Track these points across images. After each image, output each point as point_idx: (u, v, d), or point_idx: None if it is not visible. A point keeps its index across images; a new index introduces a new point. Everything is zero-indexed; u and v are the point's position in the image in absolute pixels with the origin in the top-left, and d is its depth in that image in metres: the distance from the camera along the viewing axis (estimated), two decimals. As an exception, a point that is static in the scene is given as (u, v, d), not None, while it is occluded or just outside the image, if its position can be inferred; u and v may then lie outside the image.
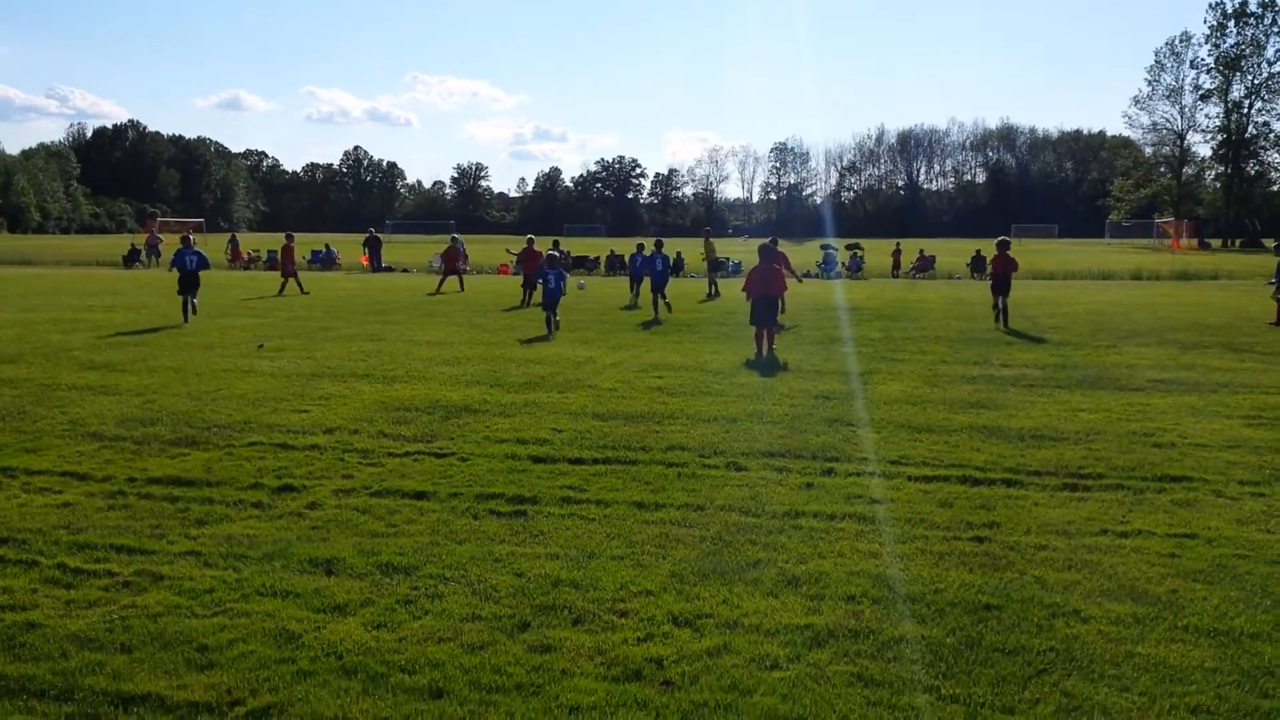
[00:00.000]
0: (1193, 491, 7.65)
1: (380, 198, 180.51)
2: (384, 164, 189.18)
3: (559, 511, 7.22)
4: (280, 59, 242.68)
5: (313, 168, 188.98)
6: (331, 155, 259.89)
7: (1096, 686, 4.48)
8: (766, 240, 17.81)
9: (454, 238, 33.77)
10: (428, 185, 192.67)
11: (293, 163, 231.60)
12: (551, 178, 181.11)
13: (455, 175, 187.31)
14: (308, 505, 7.37)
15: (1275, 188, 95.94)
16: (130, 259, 46.69)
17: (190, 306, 19.83)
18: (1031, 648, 4.88)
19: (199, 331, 18.02)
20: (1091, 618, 5.24)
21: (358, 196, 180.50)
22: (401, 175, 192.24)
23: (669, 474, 8.24)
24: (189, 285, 19.95)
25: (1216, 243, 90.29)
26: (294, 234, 32.00)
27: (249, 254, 48.09)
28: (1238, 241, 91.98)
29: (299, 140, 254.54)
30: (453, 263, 31.32)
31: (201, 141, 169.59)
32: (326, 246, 50.05)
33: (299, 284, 28.36)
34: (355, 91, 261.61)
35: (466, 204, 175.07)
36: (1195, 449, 9.01)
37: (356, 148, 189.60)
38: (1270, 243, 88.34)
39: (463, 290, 29.62)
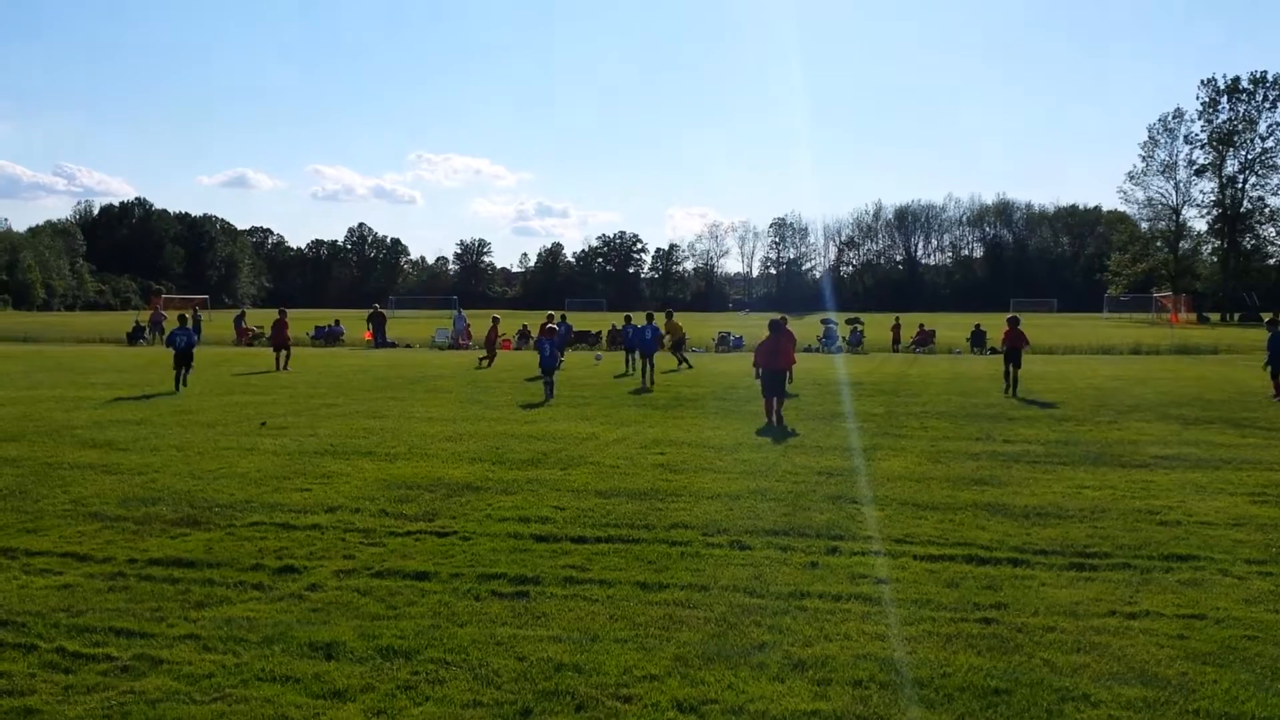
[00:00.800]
0: (1200, 571, 7.59)
1: (383, 273, 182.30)
2: (388, 240, 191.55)
3: (561, 592, 7.16)
4: (287, 138, 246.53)
5: (317, 244, 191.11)
6: (336, 232, 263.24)
7: (1109, 775, 4.41)
8: (776, 317, 18.35)
9: (494, 318, 33.43)
10: (431, 261, 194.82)
11: (297, 239, 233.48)
12: (554, 253, 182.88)
13: (458, 251, 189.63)
14: (308, 587, 7.31)
15: (1271, 261, 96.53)
16: (134, 336, 46.90)
17: (182, 379, 21.96)
18: (1042, 734, 4.81)
19: (201, 409, 18.04)
20: (1101, 702, 5.16)
21: (361, 272, 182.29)
22: (405, 251, 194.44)
23: (672, 553, 8.19)
24: (181, 361, 22.28)
25: (1215, 317, 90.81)
26: (288, 309, 32.21)
27: (251, 330, 48.30)
28: (1236, 315, 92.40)
29: (304, 217, 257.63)
30: (493, 343, 31.45)
31: (207, 219, 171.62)
32: (336, 321, 50.29)
33: (279, 361, 28.62)
34: (360, 169, 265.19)
35: (469, 279, 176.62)
36: (1201, 527, 8.96)
37: (361, 224, 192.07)
38: (1266, 316, 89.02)
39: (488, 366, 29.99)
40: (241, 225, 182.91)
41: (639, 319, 27.34)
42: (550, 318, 29.41)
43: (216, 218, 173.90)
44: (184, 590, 7.18)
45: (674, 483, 11.11)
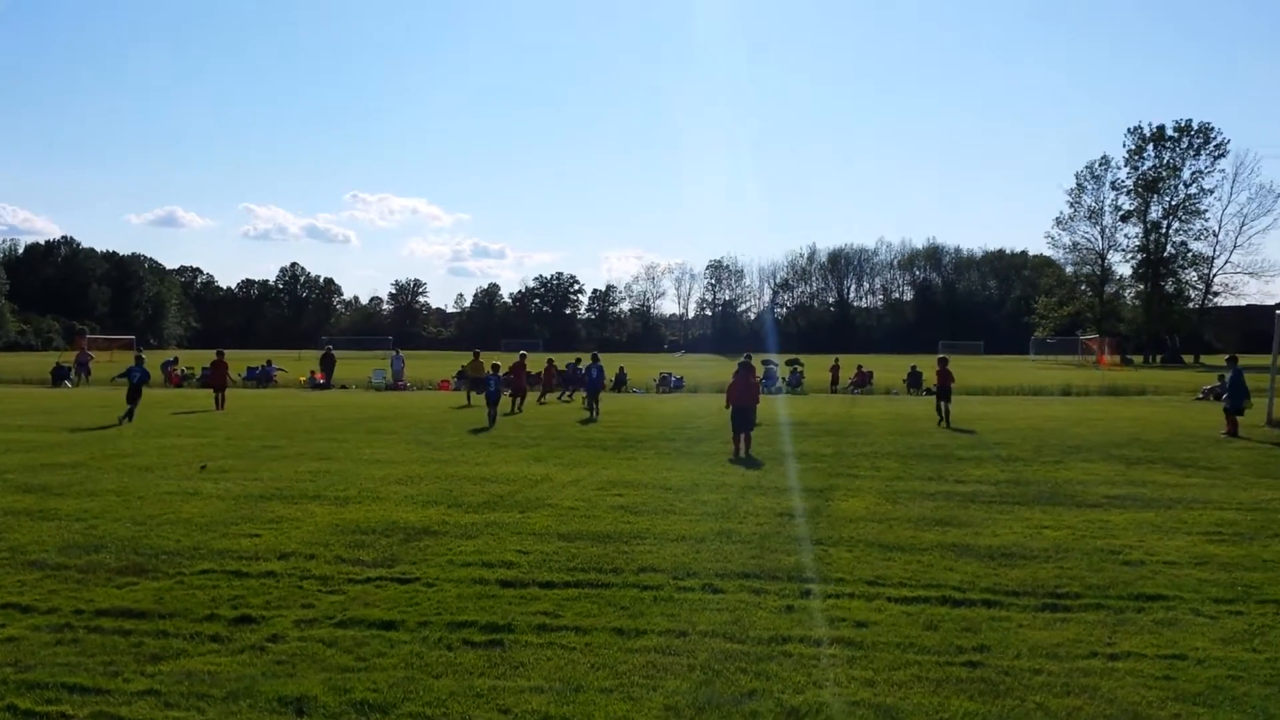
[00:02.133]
0: (1171, 610, 7.63)
1: (316, 313, 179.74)
2: (320, 280, 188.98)
3: (537, 640, 6.94)
4: (218, 176, 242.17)
5: (248, 284, 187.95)
6: (268, 272, 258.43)
7: (1124, 822, 4.33)
8: (743, 357, 20.86)
9: (522, 354, 31.23)
10: (365, 301, 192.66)
11: (228, 279, 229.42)
12: (490, 294, 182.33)
13: (393, 291, 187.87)
14: (269, 638, 6.99)
15: (1192, 305, 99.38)
16: (58, 377, 45.45)
17: (130, 413, 23.33)
18: (1050, 781, 4.73)
19: (137, 452, 17.43)
20: (1102, 747, 5.11)
21: (293, 312, 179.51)
22: (338, 291, 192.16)
23: (645, 597, 8.02)
24: (133, 395, 23.95)
25: (1138, 359, 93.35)
26: (225, 350, 31.84)
27: (181, 371, 47.13)
28: (1158, 357, 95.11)
29: (235, 257, 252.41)
30: (520, 383, 29.45)
31: (135, 258, 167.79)
32: (269, 362, 49.35)
33: (218, 401, 28.57)
34: (293, 209, 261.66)
35: (404, 320, 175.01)
36: (1165, 566, 9.03)
37: (293, 264, 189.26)
38: (1189, 358, 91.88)
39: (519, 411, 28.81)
40: (170, 264, 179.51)
41: (586, 359, 29.43)
42: (524, 356, 30.66)
43: (144, 257, 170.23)
44: (137, 643, 6.82)
45: (636, 525, 10.94)
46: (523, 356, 30.41)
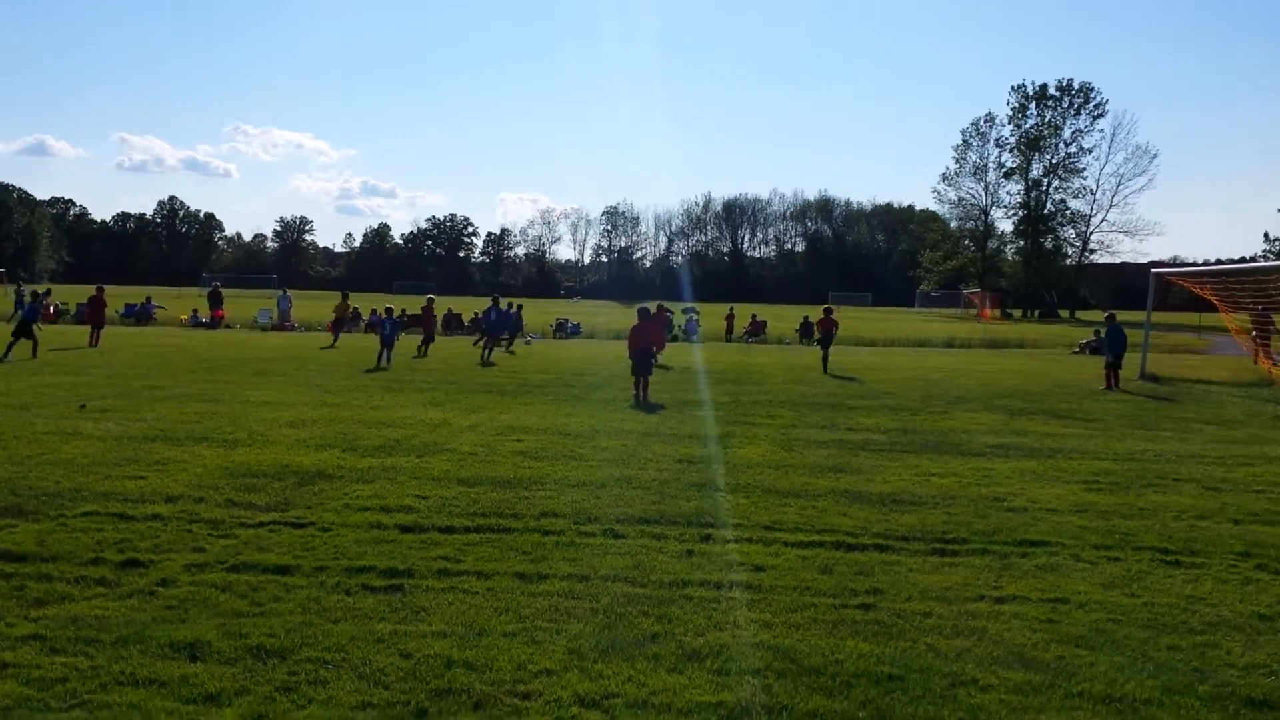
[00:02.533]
0: (1054, 556, 7.98)
1: (196, 250, 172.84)
2: (201, 215, 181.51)
3: (438, 585, 6.89)
4: (91, 104, 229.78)
5: (124, 217, 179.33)
6: (145, 205, 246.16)
7: (1011, 756, 4.54)
8: (646, 304, 21.46)
9: (430, 298, 31.03)
10: (249, 238, 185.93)
11: (103, 212, 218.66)
12: (380, 234, 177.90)
13: (278, 229, 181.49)
14: (158, 582, 6.78)
15: (1069, 261, 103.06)
16: (-84, 310, 42.94)
17: (9, 349, 22.19)
18: (942, 719, 4.92)
19: (11, 391, 16.61)
20: (990, 686, 5.32)
21: (172, 248, 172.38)
22: (220, 227, 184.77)
23: (546, 542, 8.03)
24: (22, 331, 23.00)
25: (1017, 313, 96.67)
26: (104, 286, 30.62)
27: (55, 306, 45.00)
28: (1036, 312, 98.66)
29: (110, 189, 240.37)
30: (430, 327, 29.63)
31: (3, 188, 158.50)
32: (148, 299, 47.50)
33: (94, 338, 27.87)
34: (171, 140, 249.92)
35: (290, 258, 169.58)
36: (1047, 514, 9.43)
37: (172, 198, 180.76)
38: (1065, 313, 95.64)
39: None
40: (40, 195, 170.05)
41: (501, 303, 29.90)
42: (432, 301, 30.60)
43: (13, 186, 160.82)
44: (19, 586, 6.55)
45: (536, 470, 10.92)
46: (430, 300, 30.34)
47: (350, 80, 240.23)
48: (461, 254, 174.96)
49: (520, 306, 34.42)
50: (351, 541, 7.93)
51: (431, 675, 5.33)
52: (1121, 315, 26.19)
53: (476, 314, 43.90)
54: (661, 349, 19.43)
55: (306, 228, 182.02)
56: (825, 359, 26.46)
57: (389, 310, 26.81)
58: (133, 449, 11.56)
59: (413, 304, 53.90)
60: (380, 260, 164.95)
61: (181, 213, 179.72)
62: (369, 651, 5.64)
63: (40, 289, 35.66)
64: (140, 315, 44.58)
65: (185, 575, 6.96)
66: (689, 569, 7.40)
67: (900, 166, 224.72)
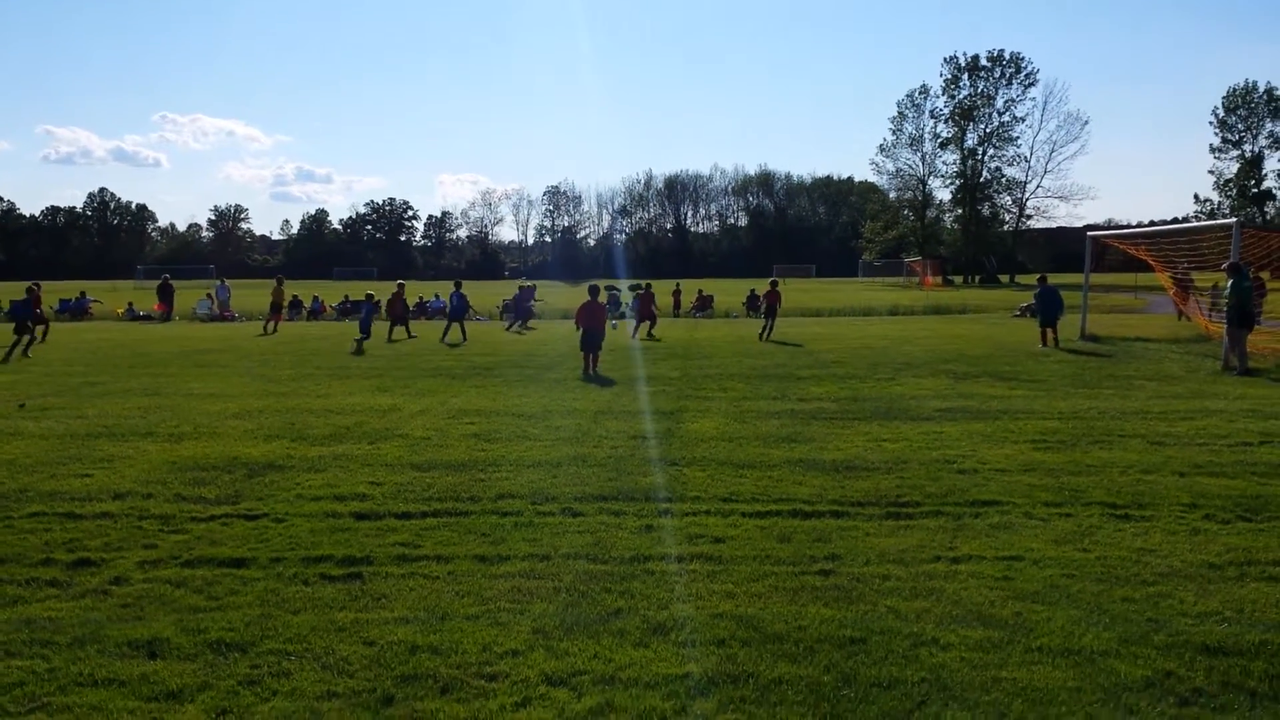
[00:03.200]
0: (1006, 515, 8.12)
1: (130, 242, 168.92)
2: (133, 206, 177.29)
3: (398, 571, 6.84)
4: (11, 96, 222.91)
5: (53, 211, 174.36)
6: (74, 198, 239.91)
7: (975, 714, 4.62)
8: (594, 282, 23.14)
9: (400, 284, 32.02)
10: (182, 228, 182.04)
11: (31, 206, 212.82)
12: (318, 220, 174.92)
13: (212, 217, 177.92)
14: (111, 580, 6.66)
15: (1006, 228, 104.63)
16: None
17: (18, 346, 22.39)
18: (905, 679, 4.99)
19: (-60, 391, 16.15)
20: (951, 645, 5.41)
21: (104, 241, 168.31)
22: (153, 218, 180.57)
23: (505, 524, 8.00)
24: (22, 329, 23.03)
25: (958, 279, 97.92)
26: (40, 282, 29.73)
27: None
28: (976, 278, 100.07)
29: (36, 182, 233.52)
30: (399, 312, 29.80)
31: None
32: (82, 294, 46.41)
33: (41, 335, 26.85)
34: (98, 131, 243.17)
35: (226, 247, 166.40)
36: (996, 474, 9.59)
37: (102, 190, 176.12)
38: (1005, 278, 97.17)
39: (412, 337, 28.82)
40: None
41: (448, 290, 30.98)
42: (402, 287, 31.17)
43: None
44: (-35, 592, 6.39)
45: (491, 452, 10.87)
46: (401, 286, 31.25)
47: (280, 66, 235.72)
48: (403, 238, 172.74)
49: (534, 286, 39.35)
50: (307, 531, 7.84)
51: (396, 662, 5.29)
52: (1060, 278, 26.77)
53: (436, 296, 44.63)
54: (603, 334, 19.90)
55: (242, 216, 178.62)
56: (770, 328, 27.61)
57: (369, 296, 28.83)
58: (76, 447, 11.31)
59: (355, 290, 53.26)
60: (320, 247, 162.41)
61: (113, 205, 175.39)
62: (331, 641, 5.59)
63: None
64: (75, 310, 43.54)
65: (138, 572, 6.84)
66: (649, 544, 7.42)
67: (839, 140, 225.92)
